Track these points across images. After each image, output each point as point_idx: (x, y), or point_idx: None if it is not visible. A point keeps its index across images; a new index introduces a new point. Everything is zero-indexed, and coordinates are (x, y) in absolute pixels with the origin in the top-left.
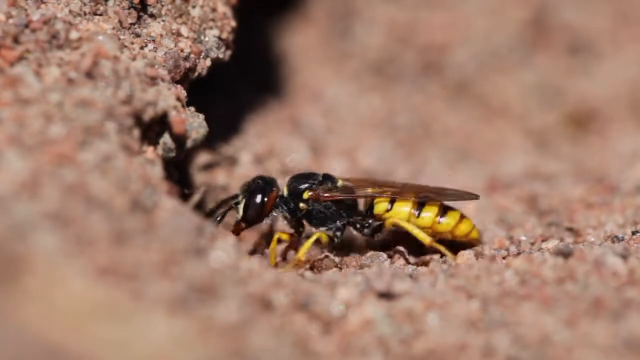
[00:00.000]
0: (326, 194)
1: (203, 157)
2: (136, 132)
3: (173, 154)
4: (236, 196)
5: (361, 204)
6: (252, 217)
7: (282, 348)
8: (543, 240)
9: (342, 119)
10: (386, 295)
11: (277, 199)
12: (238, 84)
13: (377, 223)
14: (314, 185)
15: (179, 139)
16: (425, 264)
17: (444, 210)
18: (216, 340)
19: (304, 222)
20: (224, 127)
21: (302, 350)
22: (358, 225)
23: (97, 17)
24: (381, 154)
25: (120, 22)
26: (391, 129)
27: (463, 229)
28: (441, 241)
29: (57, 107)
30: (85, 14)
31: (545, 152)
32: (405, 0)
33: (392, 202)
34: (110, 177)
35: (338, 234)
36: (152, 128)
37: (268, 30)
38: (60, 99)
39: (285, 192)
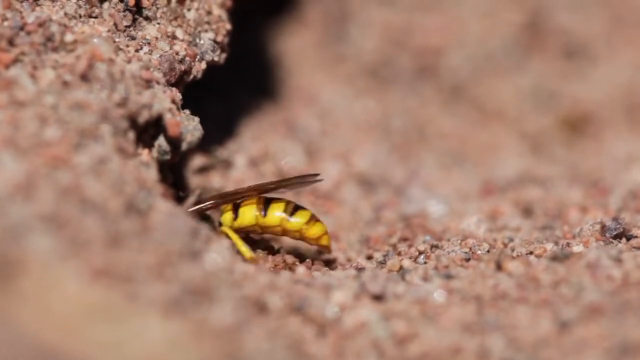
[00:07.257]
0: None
1: (198, 160)
2: (131, 135)
3: (168, 157)
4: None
5: (217, 217)
6: None
7: (276, 351)
8: (538, 244)
9: (337, 122)
10: (381, 298)
11: None
12: (233, 87)
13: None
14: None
15: (174, 142)
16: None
17: (294, 209)
18: (211, 343)
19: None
20: (219, 130)
21: (296, 353)
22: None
23: (92, 19)
24: (376, 157)
25: (115, 24)
26: (386, 132)
27: (314, 231)
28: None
29: (52, 109)
30: (80, 16)
31: (540, 155)
32: (400, 4)
33: (236, 208)
34: (105, 180)
35: None
36: (147, 131)
37: (263, 33)
38: (55, 102)
39: None
